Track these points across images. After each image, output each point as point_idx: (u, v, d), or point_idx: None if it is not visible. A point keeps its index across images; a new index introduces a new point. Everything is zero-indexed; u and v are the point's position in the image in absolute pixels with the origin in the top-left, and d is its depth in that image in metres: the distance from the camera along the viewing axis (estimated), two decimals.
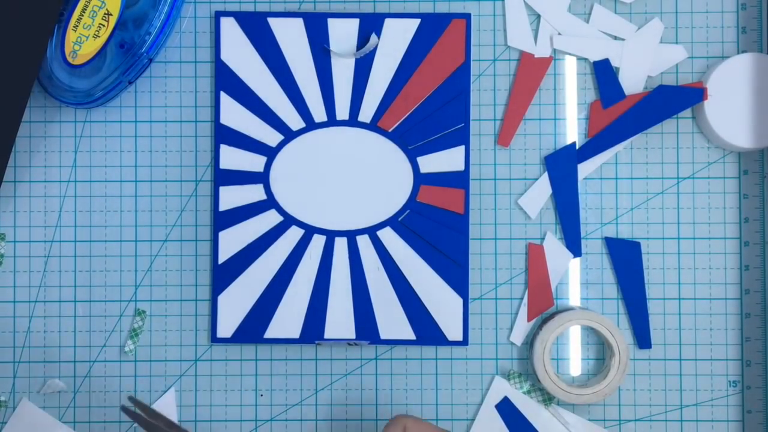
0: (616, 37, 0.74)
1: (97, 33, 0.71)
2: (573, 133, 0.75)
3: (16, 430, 0.74)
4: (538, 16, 0.74)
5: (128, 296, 0.75)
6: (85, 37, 0.71)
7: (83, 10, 0.71)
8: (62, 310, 0.75)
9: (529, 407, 0.74)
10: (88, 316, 0.75)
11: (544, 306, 0.74)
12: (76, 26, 0.71)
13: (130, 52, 0.72)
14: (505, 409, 0.74)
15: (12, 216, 0.75)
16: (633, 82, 0.74)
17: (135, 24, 0.72)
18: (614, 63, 0.74)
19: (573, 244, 0.74)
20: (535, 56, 0.74)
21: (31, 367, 0.75)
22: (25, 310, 0.75)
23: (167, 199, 0.75)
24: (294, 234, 0.74)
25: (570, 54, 0.74)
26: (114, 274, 0.75)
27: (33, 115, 0.75)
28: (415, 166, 0.73)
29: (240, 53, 0.74)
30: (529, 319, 0.74)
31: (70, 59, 0.72)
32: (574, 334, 0.75)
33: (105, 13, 0.71)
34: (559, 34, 0.74)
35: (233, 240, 0.74)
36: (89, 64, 0.72)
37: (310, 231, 0.74)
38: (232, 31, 0.74)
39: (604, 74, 0.74)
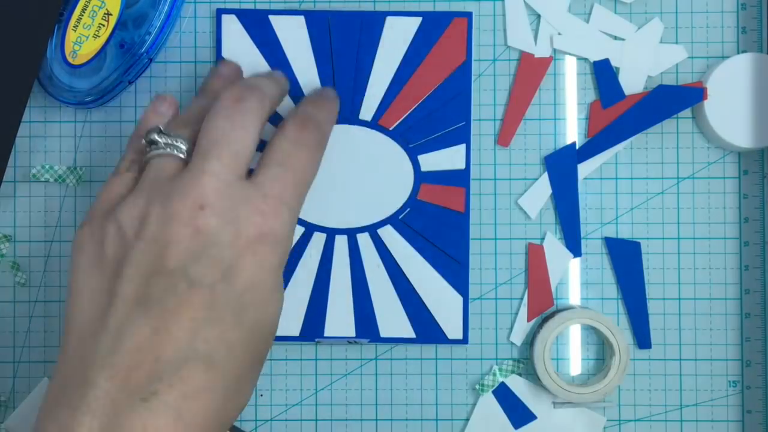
0: (616, 37, 0.74)
1: (97, 33, 0.71)
2: (573, 133, 0.75)
3: (32, 409, 0.74)
4: (538, 16, 0.74)
5: None
6: (85, 37, 0.71)
7: (83, 10, 0.71)
8: (62, 310, 0.75)
9: (525, 391, 0.75)
10: None
11: (544, 306, 0.74)
12: (76, 26, 0.71)
13: (130, 52, 0.72)
14: (502, 394, 0.74)
15: (12, 216, 0.75)
16: (633, 82, 0.74)
17: (135, 24, 0.72)
18: (614, 63, 0.74)
19: (573, 244, 0.74)
20: (535, 56, 0.74)
21: (31, 367, 0.75)
22: (25, 310, 0.75)
23: None
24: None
25: (570, 54, 0.75)
26: None
27: (33, 115, 0.75)
28: (415, 165, 0.73)
29: (241, 50, 0.74)
30: (529, 319, 0.74)
31: (70, 59, 0.72)
32: (574, 334, 0.75)
33: (105, 13, 0.71)
34: (559, 34, 0.74)
35: None
36: (89, 64, 0.72)
37: (310, 229, 0.74)
38: (233, 29, 0.74)
39: (604, 74, 0.74)
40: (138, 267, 0.54)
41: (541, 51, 0.74)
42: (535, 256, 0.74)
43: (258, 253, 0.56)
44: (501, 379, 0.74)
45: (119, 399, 0.52)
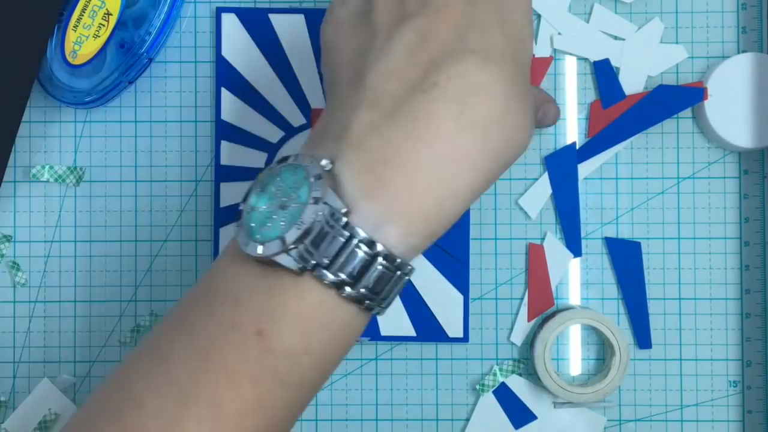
0: (616, 37, 0.74)
1: (97, 33, 0.71)
2: (573, 133, 0.75)
3: (31, 409, 0.74)
4: (539, 16, 0.74)
5: (128, 296, 0.75)
6: (85, 37, 0.71)
7: (83, 10, 0.71)
8: (62, 310, 0.75)
9: (525, 391, 0.75)
10: (88, 316, 0.75)
11: (544, 306, 0.74)
12: (76, 26, 0.71)
13: (130, 52, 0.72)
14: (502, 394, 0.74)
15: (12, 216, 0.75)
16: (633, 82, 0.74)
17: (135, 24, 0.72)
18: (614, 63, 0.74)
19: (573, 244, 0.74)
20: (535, 56, 0.74)
21: (31, 367, 0.75)
22: (25, 310, 0.75)
23: (167, 199, 0.75)
24: None
25: (570, 54, 0.75)
26: (114, 274, 0.75)
27: (33, 115, 0.75)
28: None
29: (241, 49, 0.74)
30: (529, 319, 0.74)
31: (70, 59, 0.72)
32: (575, 334, 0.75)
33: (105, 13, 0.71)
34: (559, 34, 0.74)
35: None
36: (89, 64, 0.72)
37: None
38: (233, 27, 0.74)
39: (604, 74, 0.74)
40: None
41: (541, 51, 0.74)
42: (535, 256, 0.74)
43: None
44: (501, 379, 0.74)
45: (398, 94, 0.50)
